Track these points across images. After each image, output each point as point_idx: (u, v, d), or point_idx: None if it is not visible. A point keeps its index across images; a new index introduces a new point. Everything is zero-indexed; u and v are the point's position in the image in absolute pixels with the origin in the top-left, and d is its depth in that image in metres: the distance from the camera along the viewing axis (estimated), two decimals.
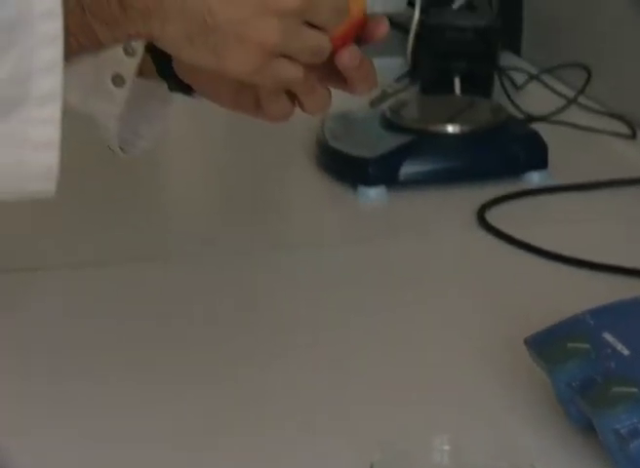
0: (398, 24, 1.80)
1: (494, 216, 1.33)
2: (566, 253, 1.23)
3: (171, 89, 1.04)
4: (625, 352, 0.88)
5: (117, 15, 0.84)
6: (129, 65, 0.99)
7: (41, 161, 0.85)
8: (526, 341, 0.94)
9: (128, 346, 1.08)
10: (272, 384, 1.02)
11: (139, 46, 0.97)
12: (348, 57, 0.91)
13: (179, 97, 1.03)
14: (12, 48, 0.81)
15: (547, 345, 0.92)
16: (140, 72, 1.01)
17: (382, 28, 0.95)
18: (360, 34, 0.94)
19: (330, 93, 0.94)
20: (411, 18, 1.74)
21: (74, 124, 0.89)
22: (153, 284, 1.22)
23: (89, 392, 1.01)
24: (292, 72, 0.92)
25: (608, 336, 0.90)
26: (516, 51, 1.82)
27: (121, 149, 1.08)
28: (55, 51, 0.82)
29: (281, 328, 1.13)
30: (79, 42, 0.83)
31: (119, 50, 1.01)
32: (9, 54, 0.81)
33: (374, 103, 1.59)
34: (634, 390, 0.82)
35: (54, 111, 0.83)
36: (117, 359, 1.06)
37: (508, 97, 1.63)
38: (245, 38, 0.88)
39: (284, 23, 0.88)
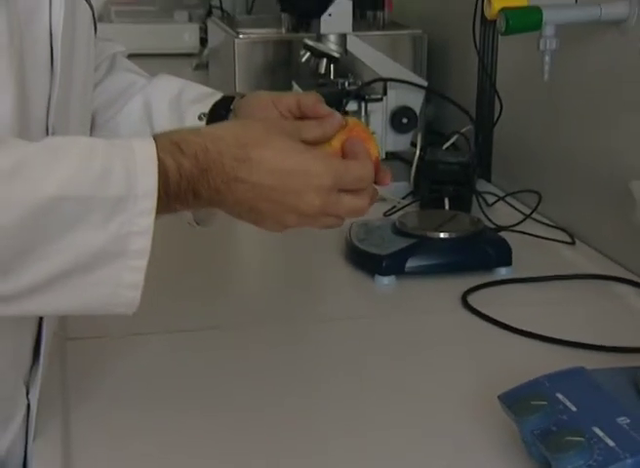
0: (404, 159, 1.82)
1: (474, 300, 1.32)
2: (527, 329, 1.22)
3: None
4: (574, 409, 0.87)
5: (190, 200, 0.85)
6: None
7: (129, 298, 0.83)
8: (499, 397, 0.93)
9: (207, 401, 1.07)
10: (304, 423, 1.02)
11: None
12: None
13: None
14: (117, 216, 0.80)
15: (515, 401, 0.91)
16: None
17: (387, 180, 0.97)
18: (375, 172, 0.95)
19: None
20: (413, 154, 1.75)
21: None
22: (217, 348, 1.20)
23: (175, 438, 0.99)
24: (335, 224, 0.93)
25: (560, 396, 0.89)
26: (488, 179, 1.82)
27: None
28: (148, 220, 0.81)
29: (309, 374, 1.13)
30: (163, 211, 0.83)
31: None
32: (114, 221, 0.80)
33: (387, 214, 1.59)
34: (581, 439, 0.81)
35: (144, 262, 0.82)
36: (195, 410, 1.04)
37: (483, 212, 1.63)
38: (290, 212, 0.89)
39: (322, 197, 0.88)
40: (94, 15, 1.02)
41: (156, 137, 0.83)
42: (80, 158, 0.80)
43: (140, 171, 0.80)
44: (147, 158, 0.81)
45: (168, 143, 0.83)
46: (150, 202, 0.80)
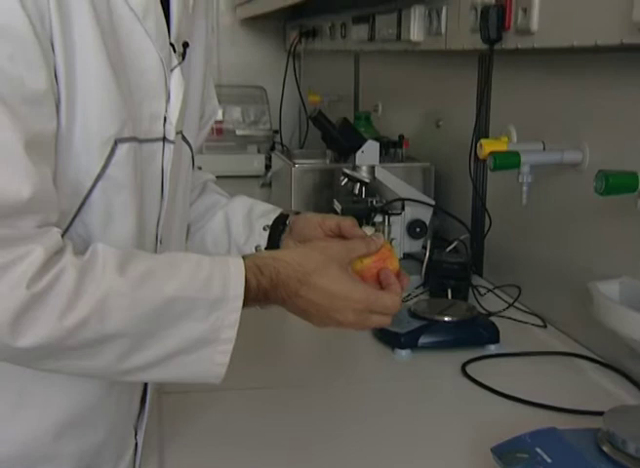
0: (417, 258, 1.81)
1: (471, 369, 1.30)
2: (512, 393, 1.20)
3: None
4: (549, 460, 0.86)
5: (262, 302, 0.86)
6: None
7: (218, 373, 0.84)
8: (492, 450, 0.92)
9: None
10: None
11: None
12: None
13: None
14: (214, 312, 0.81)
15: (503, 453, 0.90)
16: None
17: (406, 283, 0.98)
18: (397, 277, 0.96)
19: None
20: (424, 255, 1.74)
21: None
22: (269, 404, 1.19)
23: None
24: (364, 329, 0.97)
25: (539, 450, 0.88)
26: (480, 275, 1.80)
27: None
28: (236, 316, 0.82)
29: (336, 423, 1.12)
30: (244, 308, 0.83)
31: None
32: (212, 316, 0.81)
33: (404, 301, 1.57)
34: None
35: (231, 347, 0.83)
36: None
37: (477, 300, 1.61)
38: (331, 320, 0.90)
39: (357, 314, 0.90)
40: (193, 155, 1.05)
41: (245, 258, 0.85)
42: (191, 269, 0.82)
43: (233, 281, 0.82)
44: (238, 273, 0.83)
45: (252, 264, 0.84)
46: (238, 303, 0.82)
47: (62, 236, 0.78)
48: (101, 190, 0.83)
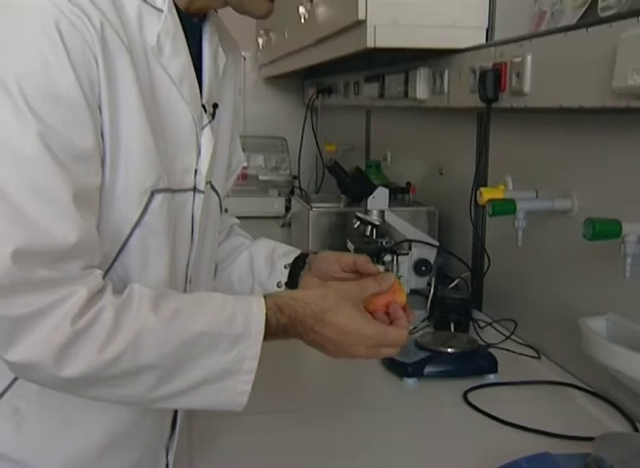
0: (422, 294, 1.81)
1: (472, 397, 1.29)
2: (509, 419, 1.19)
3: None
4: None
5: (281, 336, 0.86)
6: None
7: (240, 401, 0.83)
8: None
9: None
10: None
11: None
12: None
13: None
14: (237, 346, 0.81)
15: None
16: None
17: (412, 318, 0.97)
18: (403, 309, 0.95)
19: None
20: (429, 291, 1.74)
21: None
22: (288, 427, 1.18)
23: None
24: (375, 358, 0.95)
25: None
26: (480, 309, 1.80)
27: None
28: (257, 349, 0.82)
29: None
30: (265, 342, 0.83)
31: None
32: (235, 349, 0.81)
33: (411, 333, 1.56)
34: None
35: (252, 377, 0.82)
36: None
37: (477, 333, 1.61)
38: (344, 353, 0.90)
39: (368, 349, 0.89)
40: (220, 202, 1.06)
41: (266, 297, 0.85)
42: (217, 307, 0.82)
43: (254, 318, 0.82)
44: (259, 311, 0.83)
45: (273, 304, 0.84)
46: (259, 338, 0.82)
47: (104, 276, 0.80)
48: (139, 236, 0.85)
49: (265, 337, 0.82)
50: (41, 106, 0.72)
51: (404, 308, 0.96)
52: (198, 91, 0.92)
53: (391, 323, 0.93)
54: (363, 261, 1.02)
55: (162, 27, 0.85)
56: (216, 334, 0.80)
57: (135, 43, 0.82)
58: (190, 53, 0.89)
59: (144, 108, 0.82)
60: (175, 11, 0.87)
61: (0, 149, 0.72)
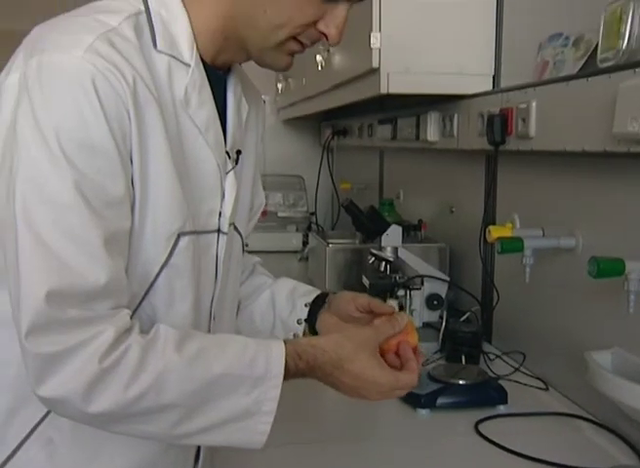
0: (434, 327, 1.80)
1: (483, 428, 1.29)
2: (518, 450, 1.18)
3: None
4: None
5: (299, 377, 0.85)
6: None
7: (260, 440, 0.82)
8: None
9: None
10: None
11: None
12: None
13: None
14: (257, 388, 0.81)
15: None
16: None
17: (421, 360, 0.96)
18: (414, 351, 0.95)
19: None
20: (440, 324, 1.73)
21: None
22: (309, 458, 1.19)
23: None
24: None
25: None
26: (489, 342, 1.79)
27: None
28: (276, 392, 0.81)
29: None
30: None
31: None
32: (255, 391, 0.81)
33: (423, 365, 1.54)
34: None
35: (271, 418, 0.82)
36: None
37: (487, 365, 1.59)
38: (360, 397, 0.89)
39: (380, 394, 0.89)
40: (243, 242, 1.06)
41: (286, 342, 0.85)
42: (238, 350, 0.82)
43: (274, 362, 0.82)
44: (279, 355, 0.83)
45: (292, 350, 0.84)
46: (278, 381, 0.82)
47: (132, 315, 0.81)
48: (166, 276, 0.85)
49: (284, 380, 0.82)
50: (77, 156, 0.74)
51: (414, 349, 0.96)
52: (222, 138, 0.93)
53: (402, 365, 0.93)
54: (377, 303, 1.03)
55: (189, 81, 0.86)
56: (237, 376, 0.80)
57: (164, 96, 0.84)
58: (215, 102, 0.91)
59: (172, 156, 0.83)
60: (201, 65, 0.89)
61: (38, 196, 0.74)
